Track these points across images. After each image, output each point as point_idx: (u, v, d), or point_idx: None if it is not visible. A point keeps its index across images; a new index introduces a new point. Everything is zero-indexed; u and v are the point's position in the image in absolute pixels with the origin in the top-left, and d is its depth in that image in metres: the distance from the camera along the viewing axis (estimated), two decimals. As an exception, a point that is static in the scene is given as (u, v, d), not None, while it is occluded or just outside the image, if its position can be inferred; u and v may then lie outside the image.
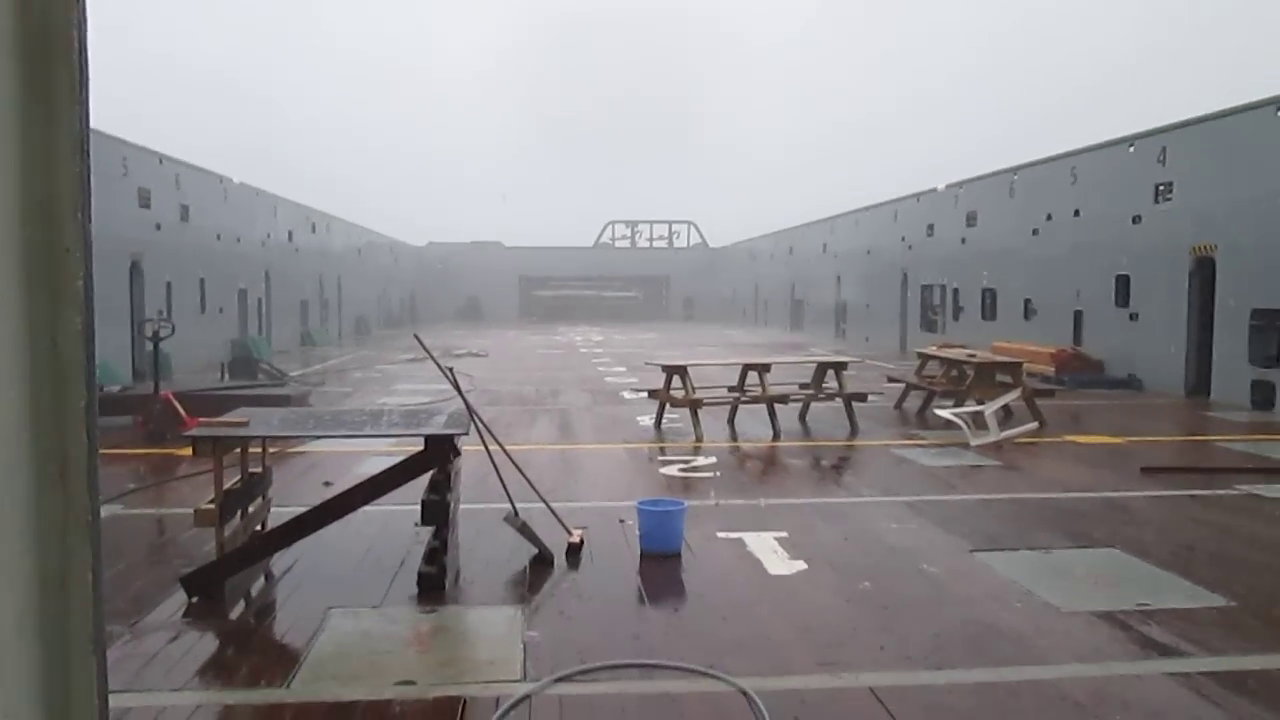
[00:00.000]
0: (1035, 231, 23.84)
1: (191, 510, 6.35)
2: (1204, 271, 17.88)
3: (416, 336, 8.11)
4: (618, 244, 69.10)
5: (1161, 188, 19.22)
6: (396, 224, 56.88)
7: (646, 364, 16.03)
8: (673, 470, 10.61)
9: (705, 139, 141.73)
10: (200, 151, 26.53)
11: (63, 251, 1.32)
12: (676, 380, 13.47)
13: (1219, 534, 7.97)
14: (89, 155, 1.35)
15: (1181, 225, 18.47)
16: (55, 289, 1.32)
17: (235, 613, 5.97)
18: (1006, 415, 13.85)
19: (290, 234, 34.46)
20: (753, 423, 13.64)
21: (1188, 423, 15.36)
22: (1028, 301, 24.19)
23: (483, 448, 7.02)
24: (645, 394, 15.12)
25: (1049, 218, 23.29)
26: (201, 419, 8.29)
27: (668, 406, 13.76)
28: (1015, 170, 25.44)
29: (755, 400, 13.54)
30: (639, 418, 14.74)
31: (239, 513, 6.61)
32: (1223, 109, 17.70)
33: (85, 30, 1.32)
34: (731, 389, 14.11)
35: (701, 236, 68.55)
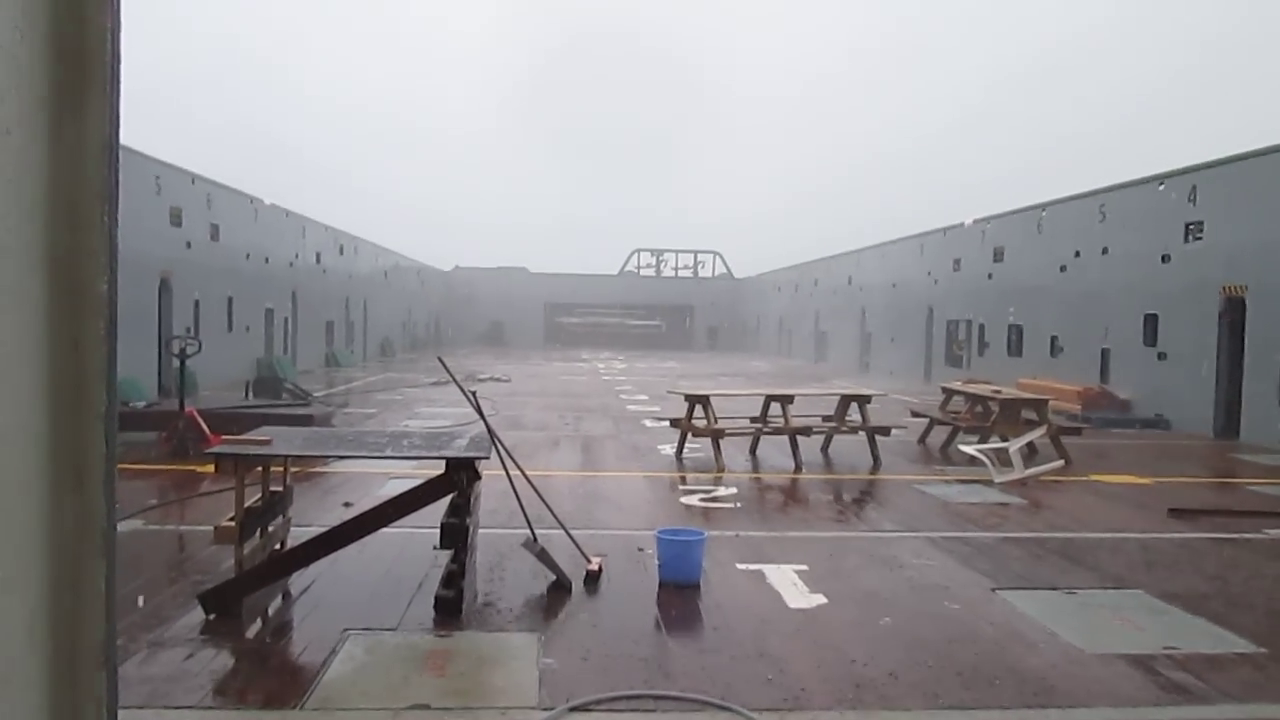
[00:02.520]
0: (1063, 268, 23.70)
1: (212, 527, 6.35)
2: (1234, 312, 17.71)
3: (440, 359, 8.12)
4: (643, 272, 69.27)
5: (1192, 226, 19.09)
6: (420, 254, 57.28)
7: (669, 392, 16.00)
8: (693, 500, 10.55)
9: (734, 171, 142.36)
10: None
11: (88, 254, 1.31)
12: (699, 410, 13.42)
13: (1248, 578, 7.83)
14: (118, 159, 1.34)
15: (1212, 265, 18.32)
16: (78, 292, 1.30)
17: (252, 631, 5.96)
18: (1031, 453, 13.70)
19: (318, 255, 34.75)
20: (775, 454, 13.56)
21: (1216, 464, 15.15)
22: (1054, 339, 24.02)
23: (503, 472, 7.00)
24: (667, 423, 15.07)
25: (1077, 255, 23.17)
26: (225, 436, 8.32)
27: (689, 436, 13.70)
28: (1044, 207, 25.35)
29: (778, 431, 13.46)
30: (660, 446, 14.69)
31: (259, 531, 6.61)
32: (1254, 149, 17.59)
33: (119, 34, 1.31)
34: (754, 419, 14.05)
35: (726, 267, 68.62)
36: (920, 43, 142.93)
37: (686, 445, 13.82)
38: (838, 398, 14.78)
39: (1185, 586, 7.38)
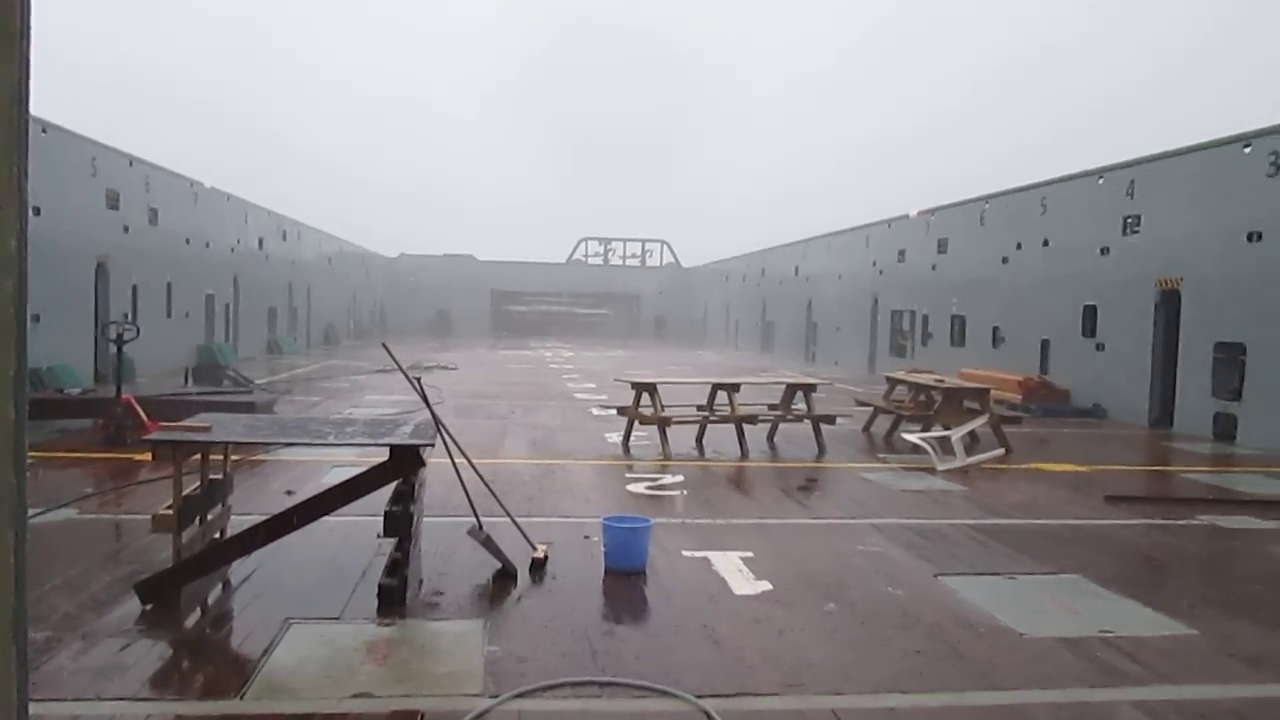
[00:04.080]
0: (1005, 260, 24.05)
1: (149, 516, 6.23)
2: (1169, 304, 18.10)
3: (384, 345, 8.03)
4: (590, 261, 69.12)
5: (1130, 220, 19.46)
6: (368, 235, 56.80)
7: (616, 380, 15.99)
8: (640, 487, 10.56)
9: (684, 160, 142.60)
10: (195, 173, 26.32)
11: None
12: (645, 398, 13.43)
13: (1180, 563, 8.03)
14: (28, 113, 1.29)
15: (1148, 258, 18.70)
16: None
17: (191, 621, 5.86)
18: (973, 441, 13.91)
19: (261, 240, 34.21)
20: (721, 442, 13.62)
21: (1151, 453, 15.51)
22: (996, 329, 24.38)
23: (449, 460, 6.95)
24: (614, 411, 15.07)
25: (1019, 247, 23.52)
26: (163, 424, 8.16)
27: (636, 424, 13.71)
28: (986, 199, 25.69)
29: (724, 420, 13.52)
30: (607, 434, 14.68)
31: (198, 519, 6.50)
32: (1191, 144, 17.97)
33: None
34: (700, 408, 14.09)
35: (674, 256, 68.73)
36: (906, 36, 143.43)
37: (633, 433, 13.82)
38: (784, 386, 14.87)
39: (1120, 571, 7.54)
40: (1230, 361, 16.20)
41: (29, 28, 1.27)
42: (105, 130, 20.60)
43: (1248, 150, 16.26)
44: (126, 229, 22.59)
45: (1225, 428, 16.20)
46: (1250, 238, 16.03)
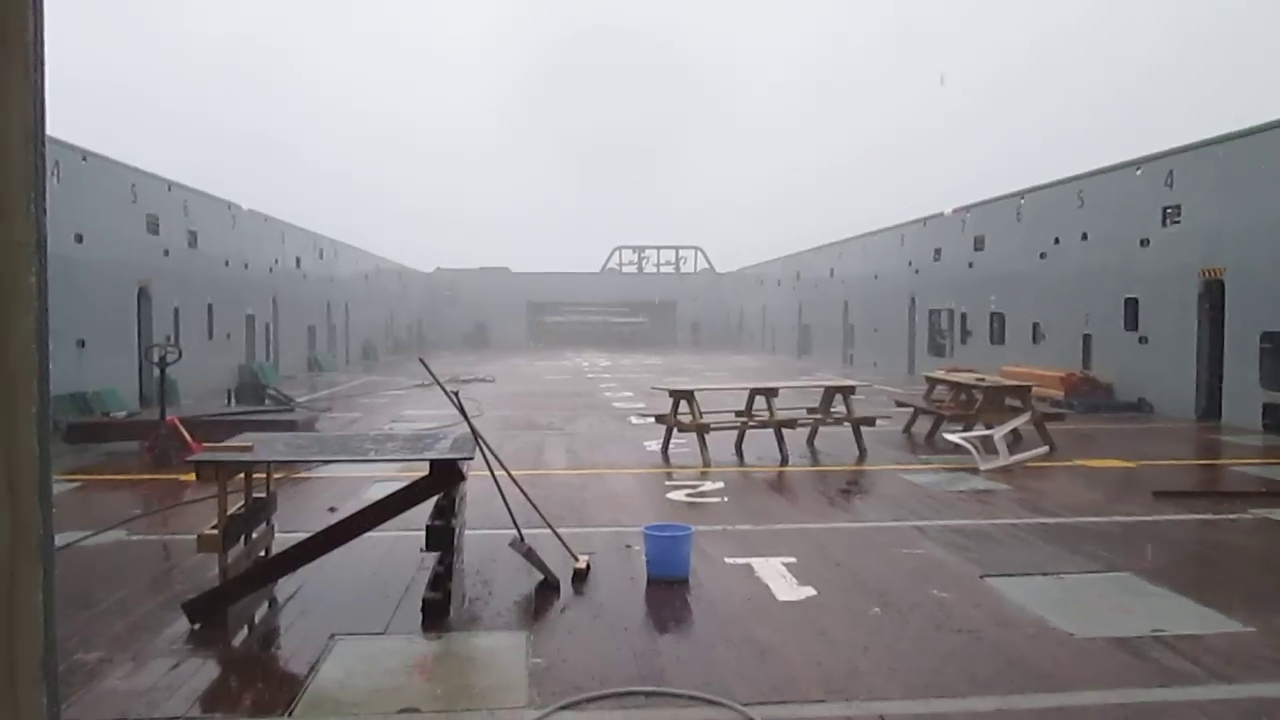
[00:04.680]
0: (1043, 255, 23.79)
1: (195, 536, 6.30)
2: (1213, 294, 17.81)
3: (421, 360, 8.07)
4: (625, 270, 69.18)
5: (1170, 210, 19.18)
6: (403, 252, 57.31)
7: (654, 389, 15.98)
8: (680, 495, 10.53)
9: (713, 165, 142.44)
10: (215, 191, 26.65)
11: (13, 247, 1.26)
12: (684, 405, 13.41)
13: (1233, 559, 7.88)
14: (44, 145, 1.30)
15: (1190, 248, 18.41)
16: (4, 286, 1.26)
17: (238, 639, 5.91)
18: (1016, 439, 13.72)
19: (298, 260, 34.58)
20: (761, 448, 13.56)
21: (1199, 446, 15.25)
22: (1036, 325, 24.11)
23: (489, 473, 6.97)
24: (652, 419, 15.05)
25: (1057, 241, 23.26)
26: (207, 444, 8.26)
27: (675, 431, 13.69)
28: (1022, 194, 25.43)
29: (763, 425, 13.46)
30: (646, 443, 14.67)
31: (243, 538, 6.56)
32: (1230, 132, 17.69)
33: (41, 15, 1.26)
34: (739, 414, 14.05)
35: (709, 262, 68.62)
36: (917, 33, 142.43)
37: (672, 441, 13.80)
38: (822, 390, 14.79)
39: (1172, 568, 7.41)
40: (1277, 351, 15.90)
41: (43, 61, 1.28)
42: (119, 149, 20.84)
43: (1289, 136, 15.97)
44: (167, 253, 22.93)
45: (1275, 418, 15.88)
46: (1295, 225, 15.74)
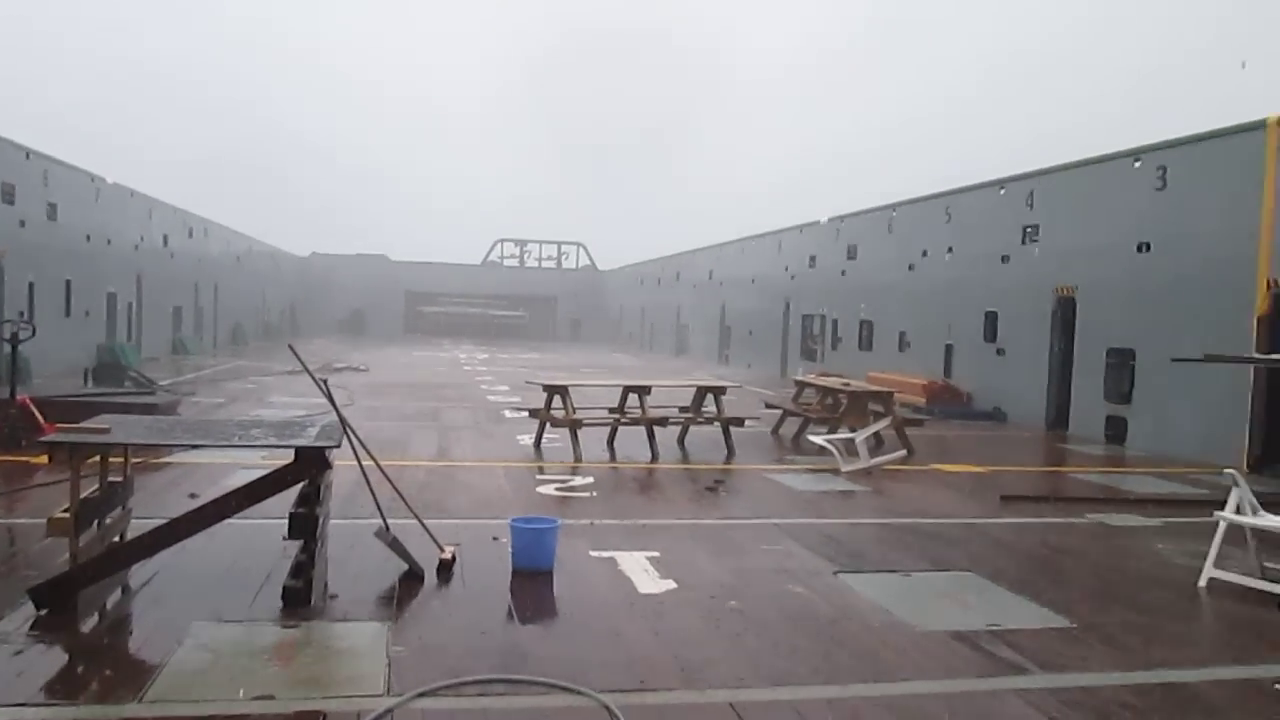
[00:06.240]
0: (911, 267, 24.67)
1: (45, 520, 6.10)
2: (1065, 311, 18.78)
3: (291, 347, 7.97)
4: (506, 263, 68.86)
5: (1029, 230, 20.15)
6: (275, 235, 55.72)
7: (528, 383, 16.02)
8: (550, 489, 10.63)
9: (605, 166, 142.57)
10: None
11: None
12: (557, 400, 13.50)
13: (1067, 559, 8.39)
14: None
15: (1046, 266, 19.38)
16: None
17: (88, 626, 5.76)
18: (878, 443, 14.27)
19: (165, 238, 33.38)
20: (632, 444, 13.75)
21: (1046, 454, 16.09)
22: (902, 334, 24.98)
23: (356, 463, 6.95)
24: (526, 413, 15.10)
25: (924, 254, 24.15)
26: (60, 425, 7.97)
27: (548, 426, 13.77)
28: (894, 206, 26.32)
29: (635, 422, 13.66)
30: (519, 437, 14.72)
31: (96, 523, 6.38)
32: (1082, 158, 18.69)
33: None
34: (612, 410, 14.21)
35: (590, 258, 68.89)
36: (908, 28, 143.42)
37: (545, 436, 13.89)
38: (694, 389, 15.07)
39: (1011, 568, 7.86)
40: (1120, 366, 16.90)
41: None
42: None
43: (1137, 165, 16.98)
44: (23, 224, 21.88)
45: (1116, 430, 16.88)
46: (1140, 248, 16.74)
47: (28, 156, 22.44)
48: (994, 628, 6.19)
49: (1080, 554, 8.62)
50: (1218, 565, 7.43)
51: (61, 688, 4.83)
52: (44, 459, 6.44)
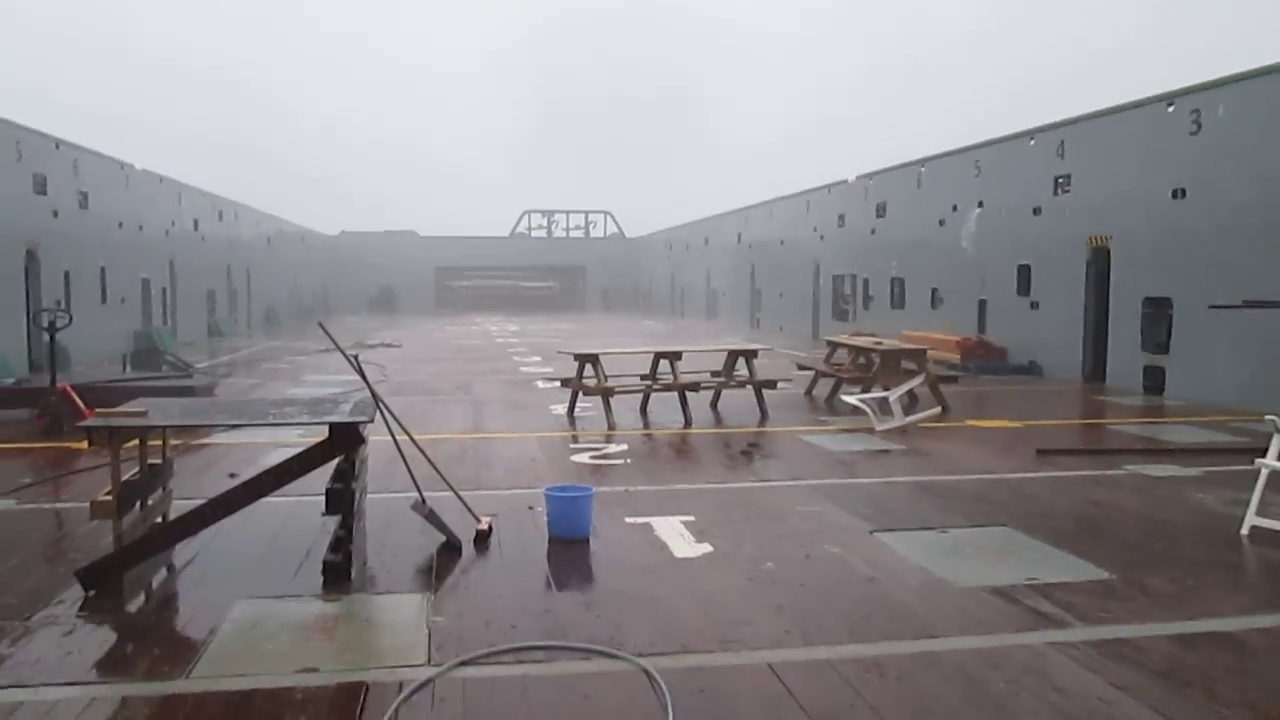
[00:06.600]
0: (941, 222, 24.41)
1: (89, 503, 6.21)
2: (1100, 261, 18.53)
3: (321, 325, 8.02)
4: (534, 234, 68.84)
5: (1060, 180, 19.85)
6: (306, 215, 56.03)
7: (559, 353, 16.05)
8: (584, 458, 10.67)
9: (628, 133, 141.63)
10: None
11: None
12: (589, 369, 13.53)
13: (1105, 512, 8.31)
14: None
15: (1079, 217, 19.11)
16: None
17: (134, 606, 5.87)
18: (911, 401, 14.20)
19: (196, 222, 33.63)
20: (665, 410, 13.77)
21: (1083, 407, 15.94)
22: (934, 290, 24.77)
23: (390, 437, 7.00)
24: (558, 383, 15.14)
25: (954, 209, 23.88)
26: (99, 410, 8.09)
27: (580, 395, 13.81)
28: (923, 162, 26.01)
29: (666, 388, 13.66)
30: (552, 406, 14.77)
31: (138, 505, 6.49)
32: (1115, 105, 18.35)
33: None
34: (643, 377, 14.22)
35: (618, 226, 68.68)
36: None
37: (578, 404, 13.93)
38: (725, 354, 15.04)
39: (1048, 522, 7.81)
40: (1157, 316, 16.68)
41: None
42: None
43: (1171, 109, 16.65)
44: (56, 214, 22.12)
45: (1154, 380, 16.68)
46: (1175, 194, 16.45)
47: (57, 147, 22.64)
48: (1032, 582, 6.16)
49: (1119, 506, 8.55)
50: (1260, 513, 7.36)
51: (110, 666, 4.93)
52: (85, 444, 6.52)
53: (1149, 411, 14.89)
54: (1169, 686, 4.59)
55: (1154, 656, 4.97)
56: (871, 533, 7.44)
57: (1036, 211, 20.51)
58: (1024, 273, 20.88)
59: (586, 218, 69.65)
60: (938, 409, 13.84)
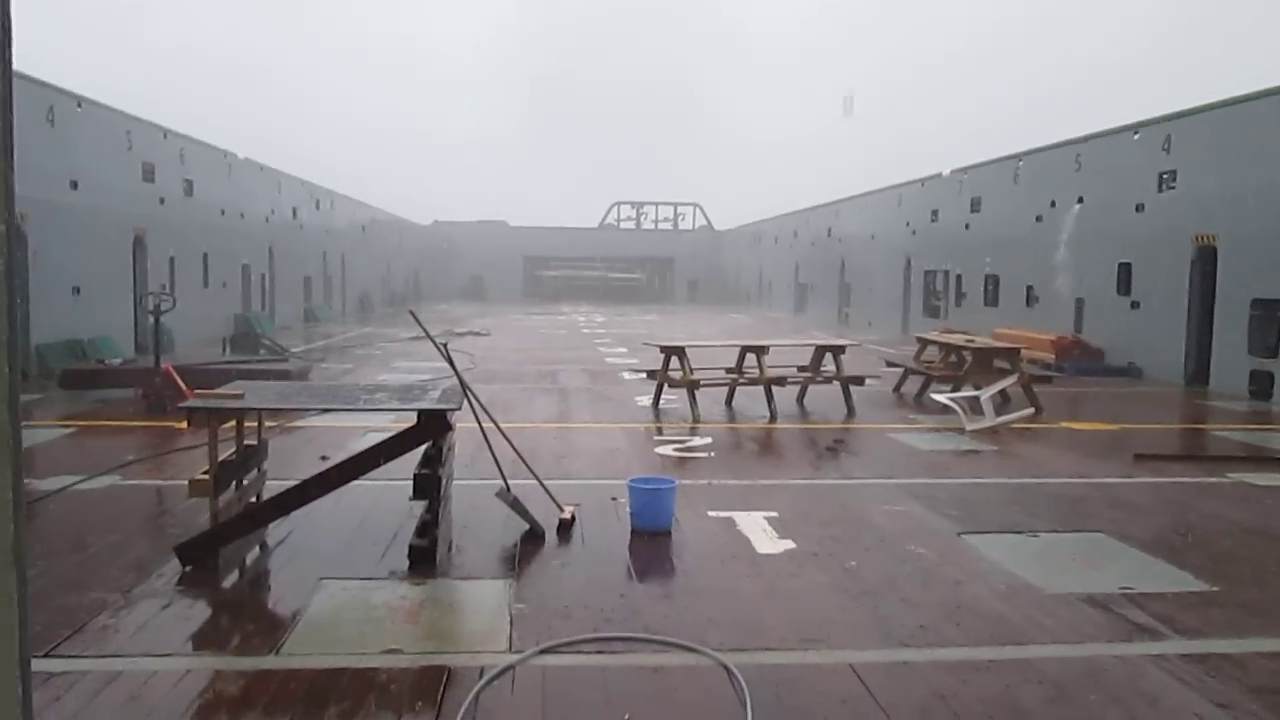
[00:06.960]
0: (1039, 218, 23.80)
1: (187, 481, 6.41)
2: (1205, 261, 17.87)
3: (412, 313, 8.16)
4: (623, 225, 69.01)
5: (1165, 176, 19.19)
6: (400, 204, 56.94)
7: (645, 344, 16.07)
8: (668, 450, 10.67)
9: (712, 121, 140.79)
10: (206, 133, 26.46)
11: None
12: (675, 361, 13.51)
13: (1206, 521, 8.02)
14: (12, 112, 1.30)
15: (1184, 214, 18.44)
16: None
17: (229, 581, 6.05)
18: (1004, 401, 13.89)
19: (294, 210, 34.49)
20: (750, 404, 13.69)
21: (1185, 411, 15.40)
22: (1030, 288, 24.17)
23: (477, 425, 7.08)
24: (644, 375, 15.16)
25: (1053, 204, 23.26)
26: (199, 391, 8.36)
27: (665, 387, 13.81)
28: (1020, 157, 25.38)
29: (753, 382, 13.58)
30: (637, 398, 14.80)
31: (234, 484, 6.69)
32: (1227, 98, 17.65)
33: None
34: (729, 370, 14.16)
35: (707, 219, 68.45)
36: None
37: (663, 397, 13.93)
38: (813, 348, 14.88)
39: (1145, 529, 7.56)
40: (1267, 318, 16.01)
41: (10, 31, 1.26)
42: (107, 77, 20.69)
43: (1286, 103, 15.96)
44: (162, 201, 22.89)
45: (1261, 385, 16.03)
46: (1288, 192, 15.77)
47: (165, 136, 23.42)
48: (1127, 591, 5.97)
49: (1221, 515, 8.24)
50: (1374, 527, 7.01)
51: (204, 640, 5.10)
52: (185, 424, 6.74)
53: (1255, 418, 14.31)
54: (1272, 705, 4.41)
55: (1256, 673, 4.77)
56: (959, 534, 7.29)
57: (1139, 208, 19.85)
58: (1124, 271, 20.24)
59: (675, 210, 69.60)
60: (1031, 410, 13.50)
